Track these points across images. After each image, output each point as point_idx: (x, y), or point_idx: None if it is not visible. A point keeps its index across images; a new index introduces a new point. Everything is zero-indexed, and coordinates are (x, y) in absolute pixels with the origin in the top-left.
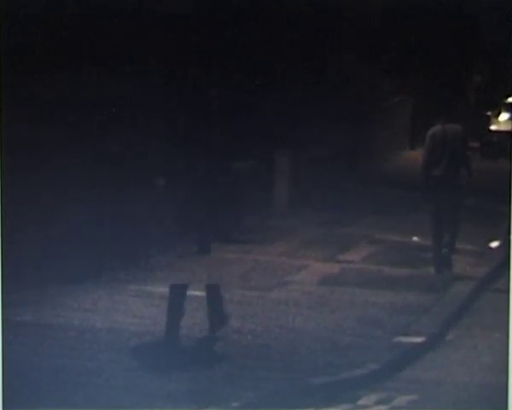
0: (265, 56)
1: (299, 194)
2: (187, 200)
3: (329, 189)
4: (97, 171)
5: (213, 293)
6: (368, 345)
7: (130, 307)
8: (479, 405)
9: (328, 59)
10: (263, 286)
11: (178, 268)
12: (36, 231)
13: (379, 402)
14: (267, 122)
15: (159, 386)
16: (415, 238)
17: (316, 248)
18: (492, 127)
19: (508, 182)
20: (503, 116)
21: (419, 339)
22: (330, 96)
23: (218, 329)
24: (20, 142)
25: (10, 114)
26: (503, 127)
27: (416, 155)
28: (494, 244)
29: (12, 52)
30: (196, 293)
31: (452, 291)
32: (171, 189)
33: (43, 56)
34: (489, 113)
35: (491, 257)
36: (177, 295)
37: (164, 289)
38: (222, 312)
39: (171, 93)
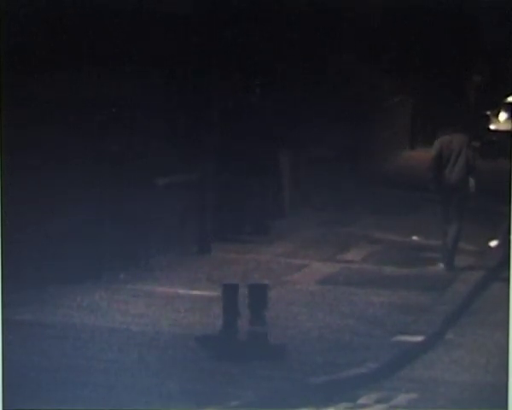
0: (265, 56)
1: (299, 194)
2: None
3: (329, 189)
4: (97, 171)
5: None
6: (367, 344)
7: (130, 307)
8: (479, 404)
9: (328, 59)
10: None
11: (178, 268)
12: (36, 231)
13: (379, 401)
14: (267, 122)
15: (159, 385)
16: (415, 238)
17: (316, 248)
18: (492, 127)
19: (508, 182)
20: (503, 116)
21: (419, 338)
22: (330, 96)
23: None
24: (20, 142)
25: (10, 114)
26: (503, 127)
27: (416, 155)
28: (494, 244)
29: (12, 52)
30: (196, 292)
31: (452, 290)
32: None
33: (43, 56)
34: (489, 112)
35: (490, 257)
36: (230, 295)
37: (164, 289)
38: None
39: (171, 93)
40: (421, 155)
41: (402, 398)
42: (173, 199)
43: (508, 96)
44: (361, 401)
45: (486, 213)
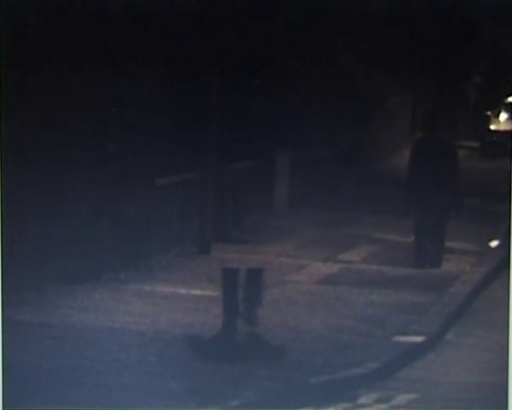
0: (265, 56)
1: (299, 194)
2: None
3: (329, 189)
4: (97, 171)
5: None
6: (367, 344)
7: (131, 307)
8: (479, 405)
9: (328, 59)
10: (263, 286)
11: (178, 268)
12: (36, 231)
13: (379, 401)
14: (267, 122)
15: (159, 385)
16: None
17: (316, 248)
18: (492, 127)
19: (508, 182)
20: (503, 116)
21: (419, 338)
22: (330, 97)
23: None
24: (21, 142)
25: (10, 114)
26: (503, 127)
27: None
28: (494, 244)
29: (12, 52)
30: (197, 292)
31: (452, 291)
32: None
33: (43, 56)
34: (489, 113)
35: (490, 257)
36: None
37: (164, 289)
38: None
39: (171, 93)
40: None
41: (402, 398)
42: (173, 199)
43: (508, 96)
44: (361, 400)
45: (486, 213)
